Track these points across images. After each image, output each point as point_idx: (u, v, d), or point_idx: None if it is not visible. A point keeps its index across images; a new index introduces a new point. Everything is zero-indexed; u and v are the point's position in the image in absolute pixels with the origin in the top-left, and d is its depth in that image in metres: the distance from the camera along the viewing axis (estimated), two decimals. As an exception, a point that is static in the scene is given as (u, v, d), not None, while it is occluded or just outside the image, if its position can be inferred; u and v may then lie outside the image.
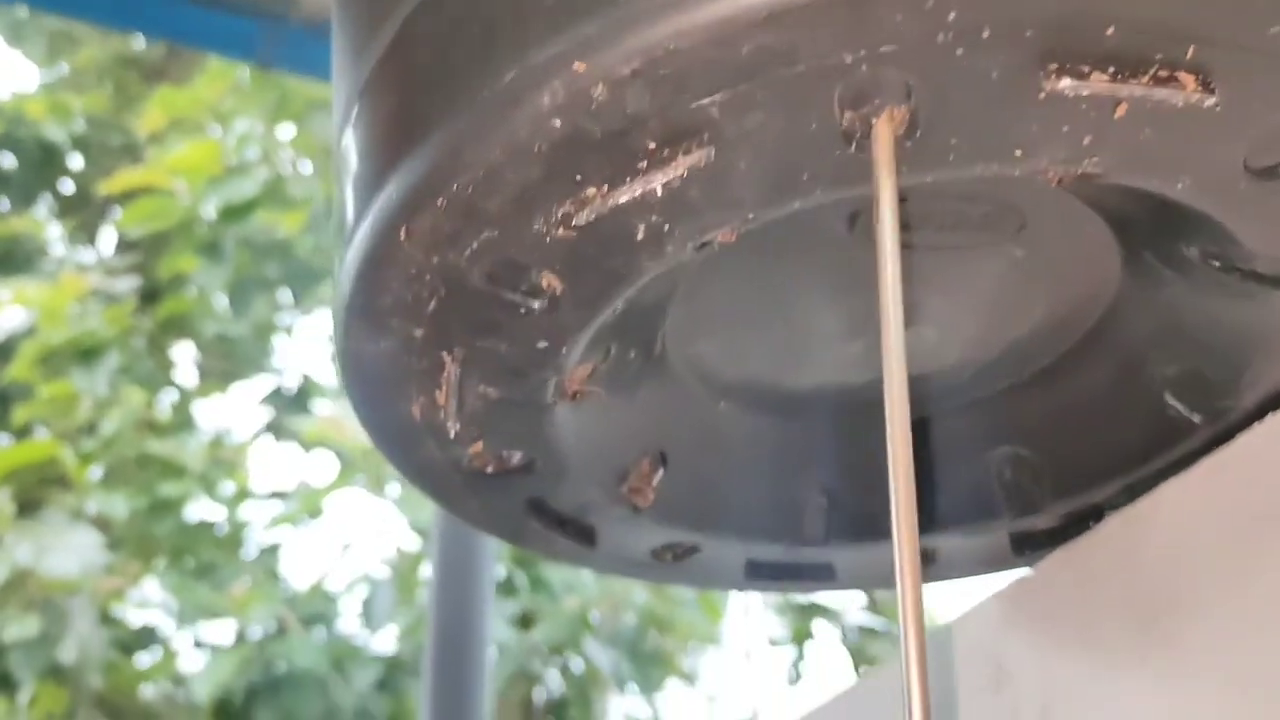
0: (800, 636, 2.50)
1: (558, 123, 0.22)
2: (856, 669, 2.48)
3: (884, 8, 0.20)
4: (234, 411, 2.54)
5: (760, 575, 0.36)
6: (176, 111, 2.44)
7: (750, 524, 0.34)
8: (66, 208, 2.70)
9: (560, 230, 0.23)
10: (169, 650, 2.33)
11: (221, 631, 2.23)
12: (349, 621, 2.28)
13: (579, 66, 0.21)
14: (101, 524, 2.13)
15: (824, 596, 2.32)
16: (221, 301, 2.45)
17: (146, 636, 2.31)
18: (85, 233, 2.67)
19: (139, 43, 2.76)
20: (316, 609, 2.23)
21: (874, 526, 0.34)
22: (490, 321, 0.26)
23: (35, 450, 2.08)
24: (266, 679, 2.12)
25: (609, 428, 0.31)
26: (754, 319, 0.32)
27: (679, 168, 0.22)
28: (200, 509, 2.32)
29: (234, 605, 2.14)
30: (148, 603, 2.34)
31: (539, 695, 2.48)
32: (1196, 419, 0.31)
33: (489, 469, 0.30)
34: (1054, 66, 0.21)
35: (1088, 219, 0.28)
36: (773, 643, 2.52)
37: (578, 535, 0.33)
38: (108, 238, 2.69)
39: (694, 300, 0.31)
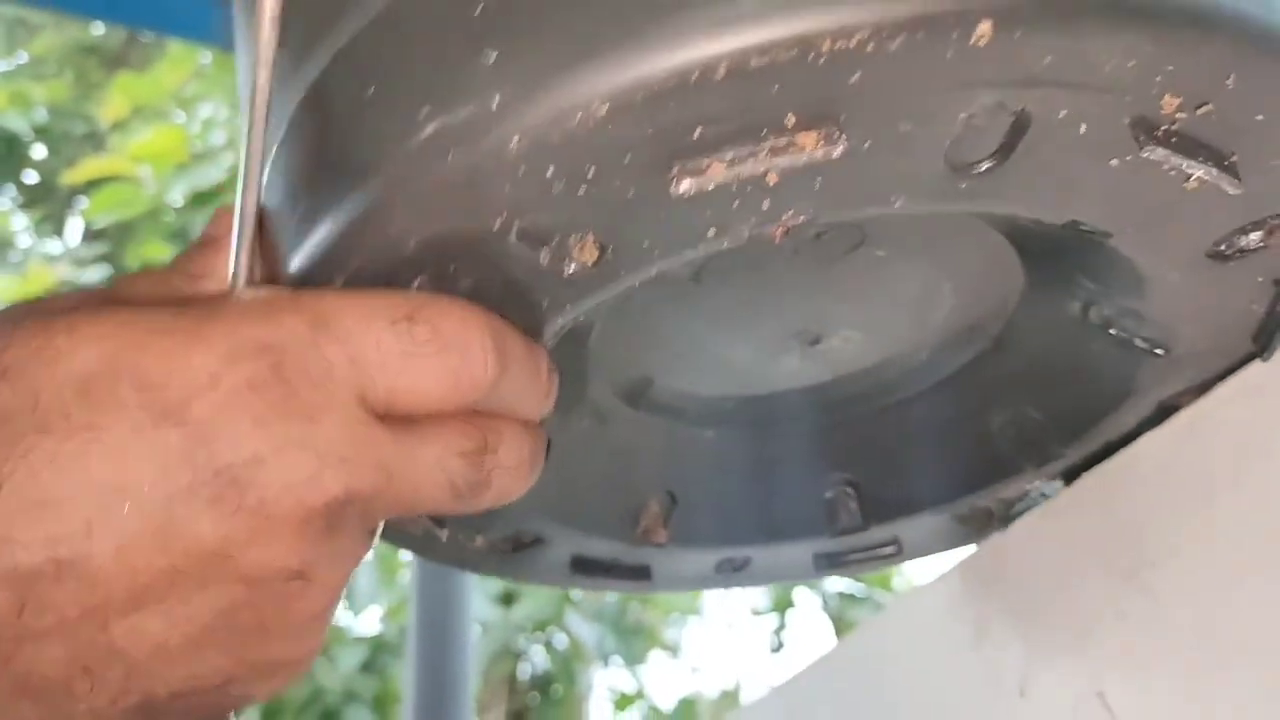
0: (781, 605, 2.52)
1: (714, 80, 0.21)
2: (838, 635, 2.50)
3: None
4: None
5: (585, 571, 0.38)
6: (138, 98, 2.41)
7: (592, 516, 0.36)
8: (31, 199, 2.66)
9: (648, 197, 0.23)
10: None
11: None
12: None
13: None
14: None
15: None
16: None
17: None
18: (52, 223, 2.63)
19: (98, 30, 2.72)
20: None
21: (699, 532, 0.37)
22: (491, 281, 0.25)
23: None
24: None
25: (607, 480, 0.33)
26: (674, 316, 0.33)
27: (808, 152, 0.21)
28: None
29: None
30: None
31: (523, 671, 2.49)
32: (1024, 464, 0.34)
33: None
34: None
35: (993, 246, 0.30)
36: (754, 612, 2.54)
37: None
38: (74, 228, 2.66)
39: (622, 338, 0.32)
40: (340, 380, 0.23)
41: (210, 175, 2.24)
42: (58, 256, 2.50)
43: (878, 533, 0.38)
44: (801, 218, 0.23)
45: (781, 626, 2.46)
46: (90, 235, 2.58)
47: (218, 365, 0.22)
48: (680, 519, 0.36)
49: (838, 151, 0.21)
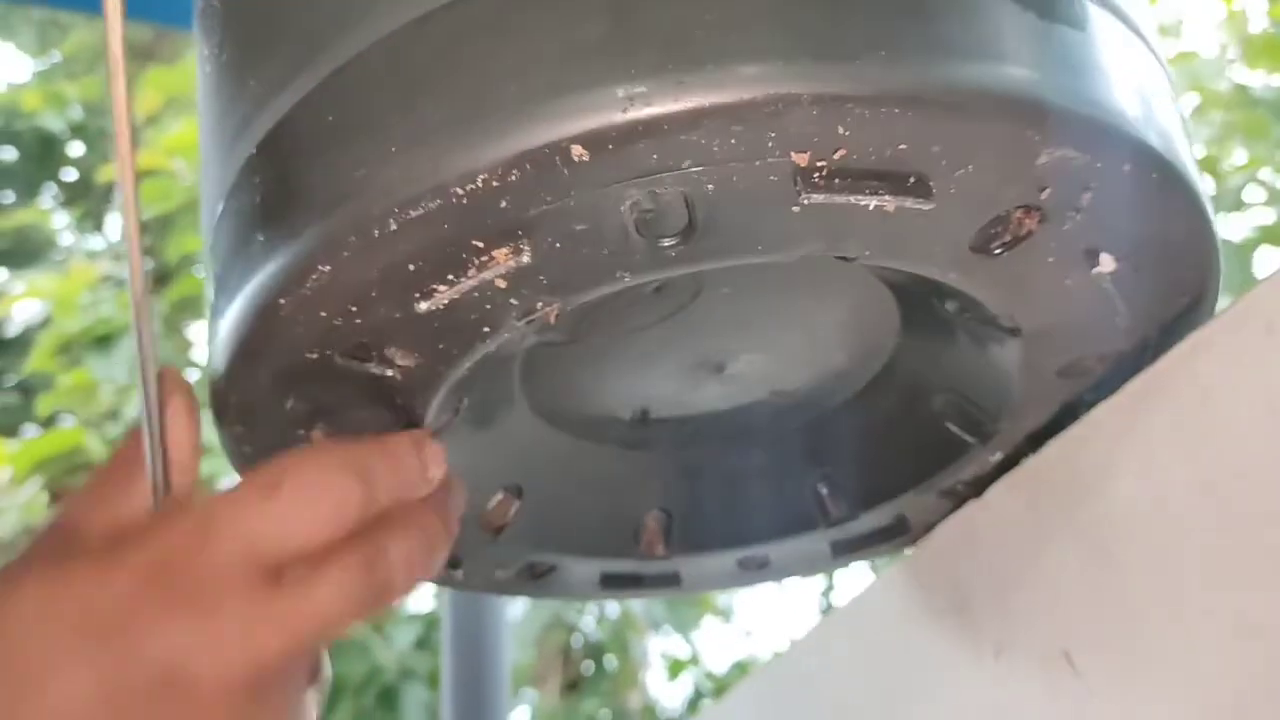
0: (830, 567, 2.52)
1: (416, 220, 0.25)
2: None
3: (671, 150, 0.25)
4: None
5: (615, 586, 0.40)
6: (170, 91, 2.44)
7: (599, 543, 0.38)
8: (71, 196, 2.71)
9: (413, 315, 0.27)
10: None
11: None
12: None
13: (441, 173, 0.25)
14: (133, 506, 2.17)
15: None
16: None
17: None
18: (91, 220, 2.68)
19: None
20: (352, 573, 2.26)
21: (710, 538, 0.38)
22: (352, 391, 0.30)
23: (61, 439, 2.11)
24: (309, 645, 2.15)
25: (466, 467, 0.34)
26: (590, 363, 0.36)
27: (506, 264, 0.26)
28: (231, 484, 2.35)
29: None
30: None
31: (576, 641, 2.52)
32: (970, 440, 0.36)
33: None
34: (809, 183, 0.25)
35: (872, 283, 0.33)
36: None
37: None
38: (114, 223, 2.70)
39: (539, 352, 0.35)
40: (231, 565, 0.26)
41: (242, 165, 2.26)
42: (99, 252, 2.54)
43: (878, 516, 0.39)
44: (554, 305, 0.27)
45: (830, 588, 2.46)
46: (130, 230, 2.62)
47: (131, 585, 0.26)
48: (684, 530, 0.39)
49: (525, 259, 0.26)
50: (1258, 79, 1.67)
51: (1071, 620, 0.33)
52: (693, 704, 2.41)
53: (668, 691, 2.56)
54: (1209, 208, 0.30)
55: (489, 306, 0.27)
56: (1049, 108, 0.25)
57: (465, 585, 0.39)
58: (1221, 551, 0.28)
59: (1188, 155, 0.29)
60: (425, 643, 2.25)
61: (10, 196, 2.65)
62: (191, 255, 2.41)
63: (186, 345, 2.59)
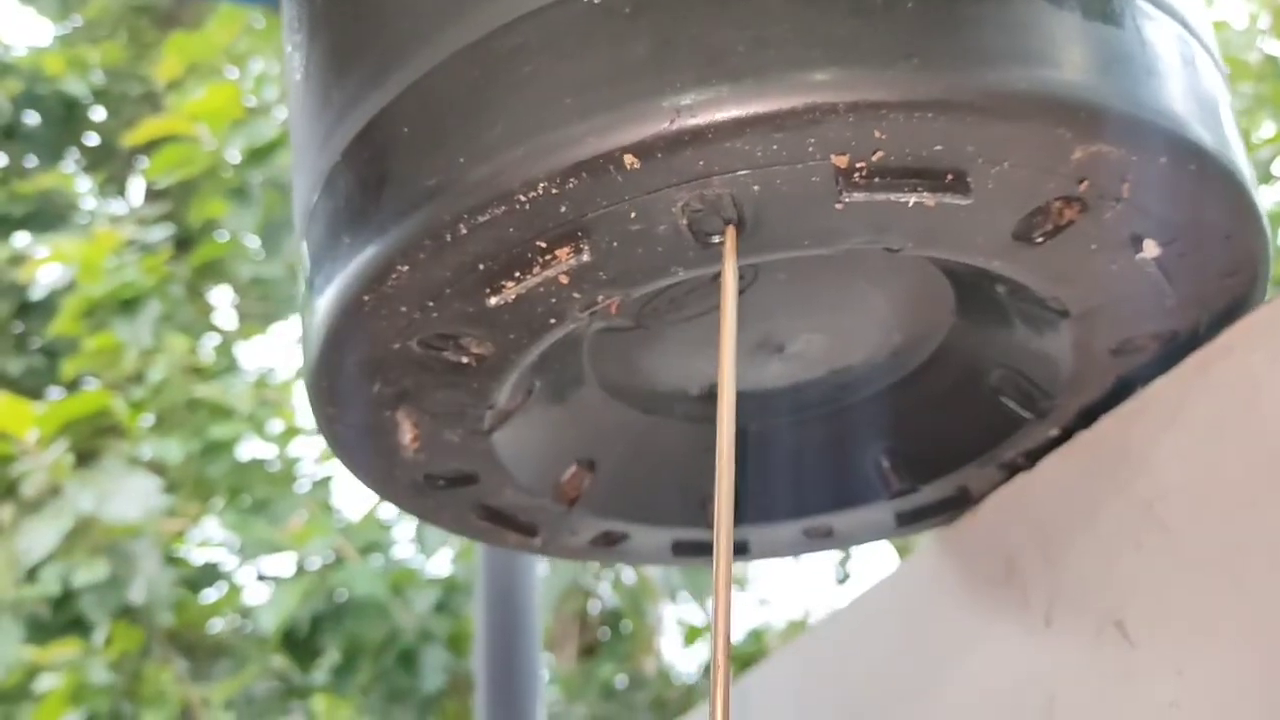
0: (847, 536, 2.53)
1: (484, 224, 0.27)
2: (904, 564, 2.50)
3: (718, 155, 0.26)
4: (275, 351, 2.58)
5: (686, 553, 0.41)
6: (191, 56, 2.44)
7: (670, 512, 0.39)
8: (94, 161, 2.72)
9: (484, 309, 0.29)
10: (234, 585, 2.41)
11: (282, 564, 2.30)
12: (404, 548, 2.34)
13: (506, 182, 0.27)
14: (157, 469, 2.19)
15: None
16: (254, 244, 2.47)
17: (210, 574, 2.38)
18: (115, 184, 2.69)
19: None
20: (372, 537, 2.29)
21: (775, 509, 0.41)
22: (431, 376, 0.32)
23: (87, 402, 2.13)
24: (329, 607, 2.18)
25: (542, 442, 0.37)
26: (658, 343, 0.38)
27: (567, 261, 0.28)
28: (251, 448, 2.37)
29: (292, 538, 2.19)
30: (209, 541, 2.41)
31: (593, 607, 2.54)
32: (1027, 415, 0.37)
33: (441, 482, 0.35)
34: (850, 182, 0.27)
35: (926, 267, 0.35)
36: (820, 544, 2.55)
37: (521, 530, 0.39)
38: (137, 188, 2.71)
39: (608, 333, 0.37)
40: None
41: (265, 131, 2.27)
42: (122, 217, 2.55)
43: (940, 488, 0.40)
44: (615, 297, 0.29)
45: (847, 558, 2.47)
46: (152, 195, 2.63)
47: None
48: (751, 501, 0.39)
49: (585, 257, 0.28)
50: (1287, 51, 1.66)
51: (1125, 590, 0.34)
52: (708, 670, 2.43)
53: (683, 658, 2.58)
54: (1254, 192, 0.30)
55: (554, 300, 0.29)
56: (1080, 106, 0.26)
57: (542, 551, 0.41)
58: (1272, 527, 0.29)
59: (1231, 142, 0.30)
60: (444, 606, 2.28)
61: (33, 161, 2.65)
62: (214, 221, 2.42)
63: (209, 309, 2.60)
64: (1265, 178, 1.60)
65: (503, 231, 0.27)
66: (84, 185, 2.69)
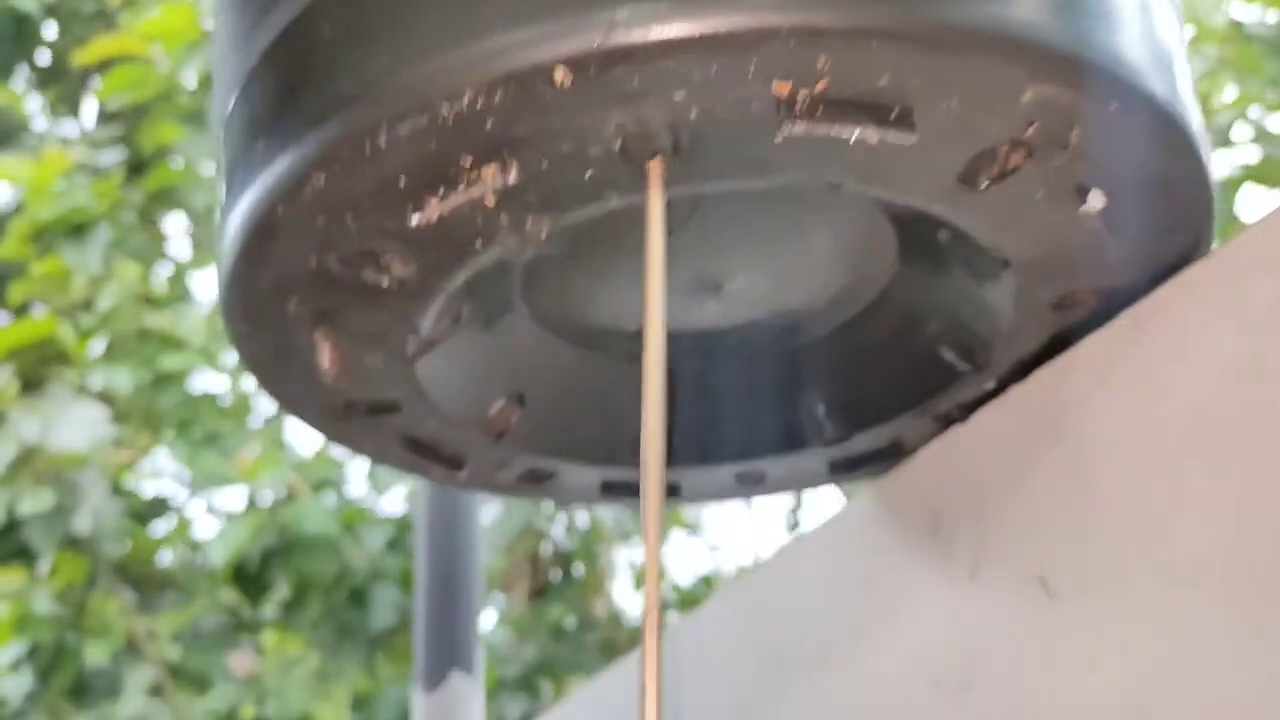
0: (799, 485, 2.55)
1: (406, 135, 0.26)
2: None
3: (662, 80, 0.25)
4: (229, 282, 2.54)
5: (615, 493, 0.40)
6: (147, -25, 2.37)
7: (600, 451, 0.38)
8: (44, 79, 2.65)
9: (405, 226, 0.28)
10: (183, 518, 2.39)
11: (233, 499, 2.28)
12: (357, 485, 2.33)
13: (429, 91, 0.26)
14: (106, 399, 2.16)
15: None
16: (210, 171, 2.42)
17: (159, 506, 2.36)
18: (66, 104, 2.62)
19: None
20: (325, 474, 2.28)
21: (708, 451, 0.40)
22: (351, 296, 0.31)
23: (34, 328, 2.09)
24: (280, 543, 2.17)
25: (469, 372, 0.36)
26: (594, 275, 0.37)
27: (494, 181, 0.27)
28: (204, 380, 2.35)
29: (243, 473, 2.18)
30: (159, 473, 2.39)
31: (546, 549, 2.55)
32: (965, 367, 0.36)
33: (362, 409, 0.34)
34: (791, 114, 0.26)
35: (869, 209, 0.34)
36: (773, 492, 2.57)
37: (447, 463, 0.38)
38: (90, 109, 2.65)
39: (541, 262, 0.35)
40: None
41: (221, 55, 2.21)
42: (73, 139, 2.49)
43: (874, 438, 0.39)
44: (544, 222, 0.28)
45: (798, 506, 2.49)
46: (105, 117, 2.57)
47: None
48: (683, 442, 0.39)
49: (513, 177, 0.27)
50: (1253, 14, 1.66)
51: (1049, 545, 0.33)
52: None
53: (634, 601, 2.60)
54: (1205, 150, 0.30)
55: (480, 221, 0.28)
56: (1032, 45, 0.26)
57: (467, 485, 0.40)
58: (1198, 488, 0.29)
59: (1184, 96, 0.29)
60: (397, 544, 2.28)
61: (-19, 77, 2.58)
62: (167, 145, 2.37)
63: (162, 237, 2.56)
64: (1225, 142, 1.61)
65: (425, 144, 0.26)
66: (34, 104, 2.62)
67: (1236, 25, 1.65)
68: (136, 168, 2.45)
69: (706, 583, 2.57)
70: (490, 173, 0.27)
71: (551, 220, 0.28)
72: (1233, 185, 1.62)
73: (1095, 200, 0.29)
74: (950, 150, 0.27)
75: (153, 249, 2.43)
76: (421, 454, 0.38)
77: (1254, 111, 1.64)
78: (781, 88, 0.25)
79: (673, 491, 0.42)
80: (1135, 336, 0.31)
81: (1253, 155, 1.63)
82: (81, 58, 2.22)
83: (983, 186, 0.28)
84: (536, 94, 0.25)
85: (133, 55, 2.20)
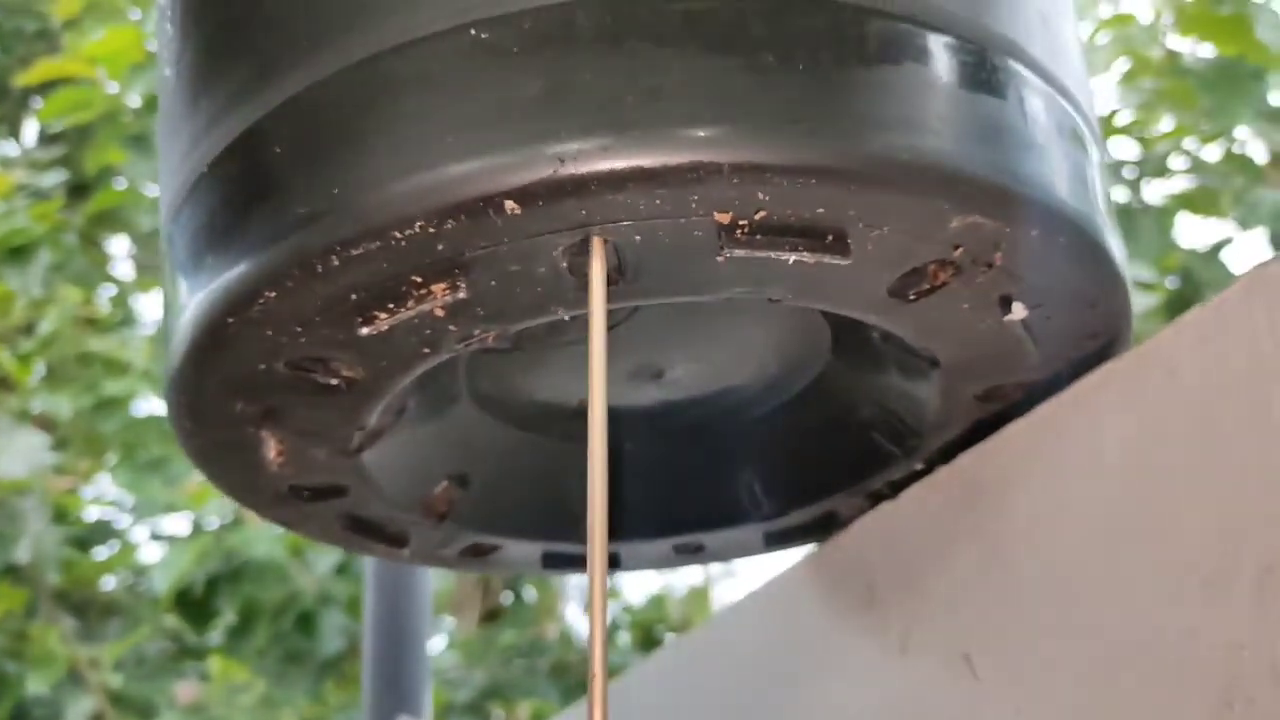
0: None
1: (357, 256, 0.27)
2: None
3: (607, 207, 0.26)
4: (175, 305, 2.51)
5: (557, 565, 0.41)
6: (91, -5, 2.34)
7: (542, 527, 0.39)
8: (-16, 100, 2.60)
9: (355, 336, 0.29)
10: (127, 544, 2.35)
11: (178, 524, 2.25)
12: (305, 509, 2.31)
13: (381, 218, 0.26)
14: (46, 424, 2.12)
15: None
16: (153, 193, 2.39)
17: (103, 531, 2.33)
18: (7, 125, 2.58)
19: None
20: (272, 498, 2.25)
21: (647, 526, 0.41)
22: (298, 396, 0.31)
23: (-28, 353, 2.05)
24: (226, 568, 2.15)
25: (412, 456, 0.37)
26: (536, 363, 0.38)
27: (444, 298, 0.28)
28: (147, 404, 2.31)
29: (188, 499, 2.15)
30: (102, 499, 2.35)
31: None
32: (895, 451, 0.38)
33: (305, 494, 0.35)
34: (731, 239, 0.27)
35: (805, 311, 0.34)
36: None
37: (390, 541, 0.39)
38: (30, 130, 2.61)
39: (484, 354, 0.36)
40: None
41: (166, 77, 2.19)
42: (13, 160, 2.45)
43: (809, 513, 0.40)
44: (491, 334, 0.29)
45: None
46: (46, 138, 2.53)
47: None
48: (623, 517, 0.40)
49: (462, 294, 0.27)
50: (1189, 46, 1.70)
51: (972, 624, 0.34)
52: (609, 636, 2.46)
53: (585, 623, 2.59)
54: (1121, 264, 0.31)
55: (429, 332, 0.29)
56: (959, 179, 0.27)
57: (410, 561, 0.41)
58: (1108, 570, 0.30)
59: (1102, 217, 0.30)
60: (345, 569, 2.26)
61: (-81, 96, 2.53)
62: (112, 167, 2.34)
63: (104, 260, 2.52)
64: (1161, 171, 1.64)
65: (377, 265, 0.27)
66: (-27, 125, 2.58)
67: (1173, 56, 1.69)
68: (78, 190, 2.41)
69: (658, 602, 2.57)
70: (440, 289, 0.27)
71: (500, 329, 0.29)
72: (1168, 213, 1.66)
73: (1018, 310, 0.31)
74: (882, 270, 0.29)
75: (96, 272, 2.39)
76: (365, 533, 0.39)
77: (1189, 142, 1.68)
78: (723, 217, 0.26)
79: (613, 562, 0.42)
80: (1052, 426, 0.33)
81: (1188, 184, 1.67)
82: (24, 79, 2.19)
83: (912, 299, 0.30)
84: (487, 222, 0.26)
85: (75, 77, 2.17)
